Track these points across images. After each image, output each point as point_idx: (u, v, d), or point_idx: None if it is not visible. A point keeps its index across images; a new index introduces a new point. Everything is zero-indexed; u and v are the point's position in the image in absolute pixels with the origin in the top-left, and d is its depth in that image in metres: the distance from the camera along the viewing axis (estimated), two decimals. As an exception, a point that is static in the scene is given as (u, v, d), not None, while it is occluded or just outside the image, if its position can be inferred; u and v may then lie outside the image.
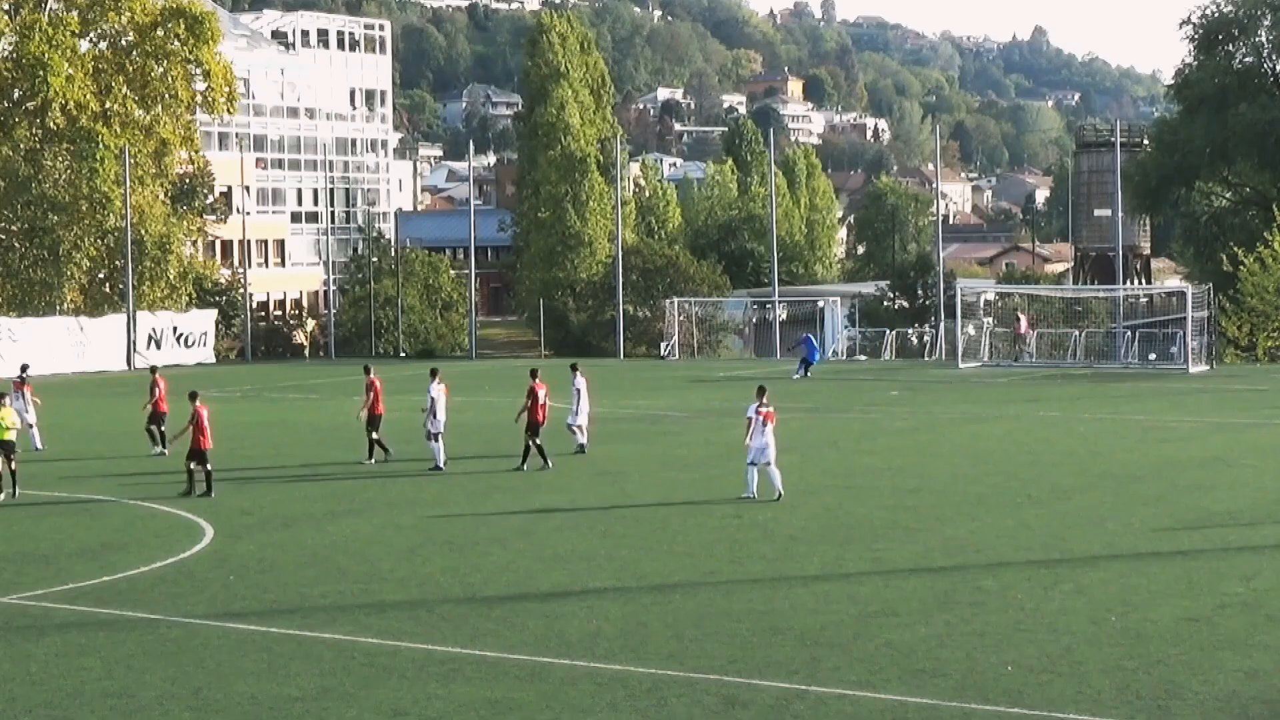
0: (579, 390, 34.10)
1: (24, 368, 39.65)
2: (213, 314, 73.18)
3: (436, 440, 32.21)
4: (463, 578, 21.45)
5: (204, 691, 15.91)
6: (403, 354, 77.00)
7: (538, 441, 31.94)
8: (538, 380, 32.45)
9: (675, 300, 74.19)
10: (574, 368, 34.87)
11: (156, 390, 35.90)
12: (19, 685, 16.27)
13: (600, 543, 23.92)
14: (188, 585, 21.17)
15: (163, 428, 35.52)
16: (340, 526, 25.73)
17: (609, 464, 33.11)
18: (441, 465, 32.09)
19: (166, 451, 34.16)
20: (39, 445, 36.30)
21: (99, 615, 19.43)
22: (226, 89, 74.41)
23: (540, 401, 32.13)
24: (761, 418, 27.17)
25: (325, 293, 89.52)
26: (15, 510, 28.09)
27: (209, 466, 28.84)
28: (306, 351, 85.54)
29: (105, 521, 26.69)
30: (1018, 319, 65.65)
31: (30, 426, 36.73)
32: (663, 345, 72.06)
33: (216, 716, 15.14)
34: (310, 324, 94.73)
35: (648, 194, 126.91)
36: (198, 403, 29.27)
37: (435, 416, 32.21)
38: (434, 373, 33.14)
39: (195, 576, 21.75)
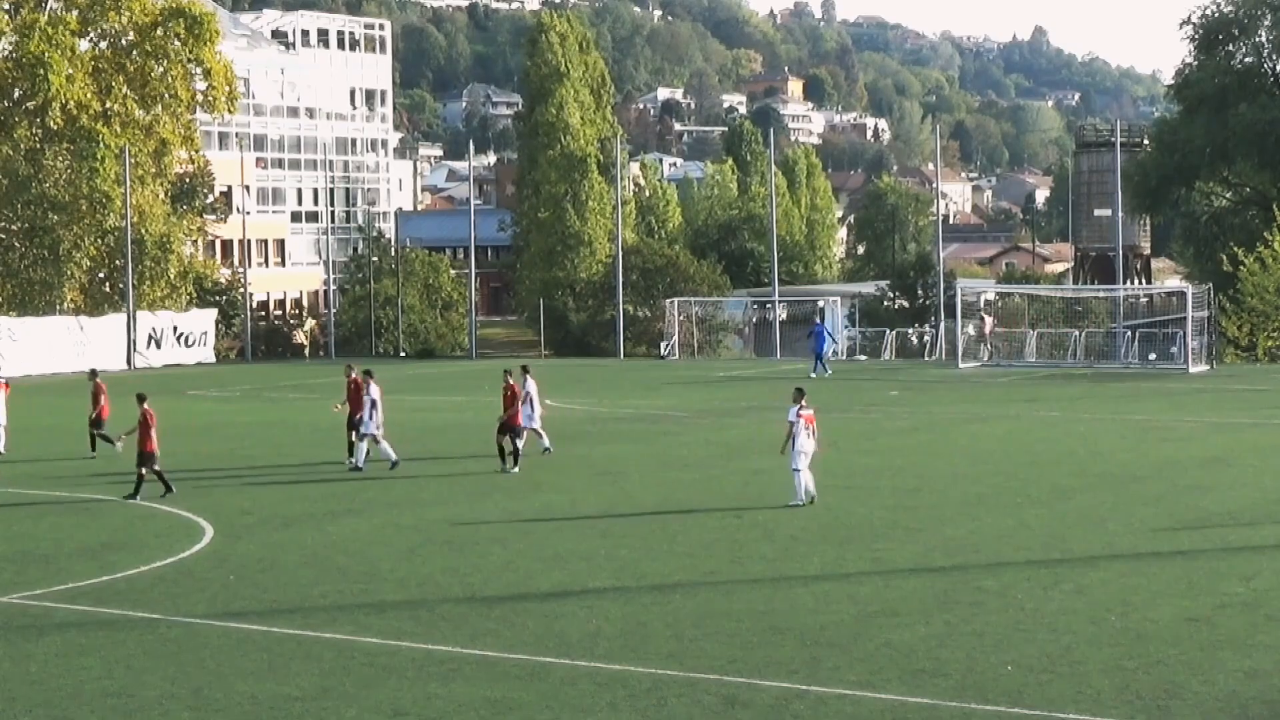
0: (529, 393, 34.00)
1: None
2: (213, 314, 73.14)
3: (377, 441, 32.07)
4: (463, 578, 21.44)
5: (204, 691, 15.91)
6: (403, 354, 76.98)
7: (505, 443, 31.92)
8: (512, 381, 32.50)
9: (675, 300, 74.12)
10: (525, 370, 34.82)
11: (101, 396, 35.68)
12: (19, 685, 16.26)
13: (600, 543, 23.91)
14: (188, 585, 21.17)
15: (102, 430, 35.17)
16: (340, 526, 25.73)
17: (609, 464, 33.12)
18: (361, 465, 31.87)
19: (119, 448, 33.67)
20: None
21: (99, 615, 19.43)
22: (226, 89, 74.39)
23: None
24: (803, 421, 27.00)
25: (325, 292, 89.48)
26: (15, 510, 28.10)
27: (157, 468, 28.61)
28: (306, 351, 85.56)
29: (105, 521, 26.67)
30: (983, 319, 65.61)
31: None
32: (663, 345, 72.00)
33: (216, 716, 15.13)
34: (310, 324, 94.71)
35: (648, 194, 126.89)
36: (146, 405, 29.11)
37: (372, 417, 32.10)
38: (369, 374, 32.93)
39: (195, 576, 21.75)
